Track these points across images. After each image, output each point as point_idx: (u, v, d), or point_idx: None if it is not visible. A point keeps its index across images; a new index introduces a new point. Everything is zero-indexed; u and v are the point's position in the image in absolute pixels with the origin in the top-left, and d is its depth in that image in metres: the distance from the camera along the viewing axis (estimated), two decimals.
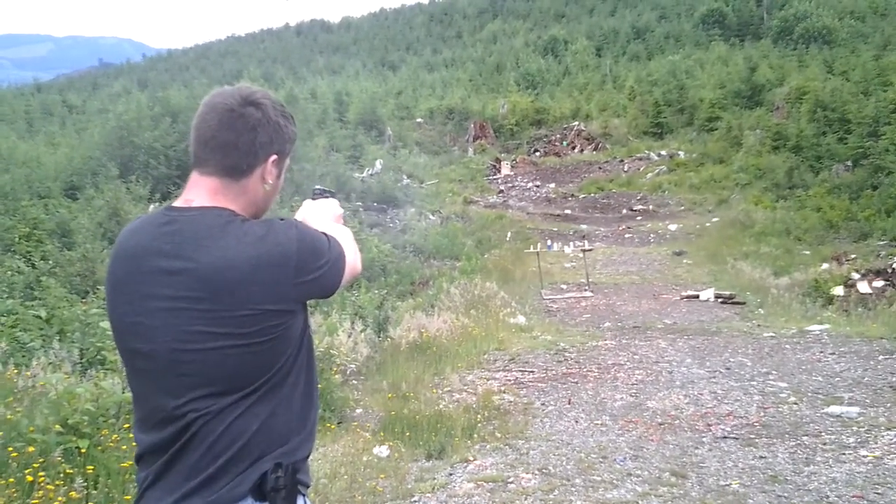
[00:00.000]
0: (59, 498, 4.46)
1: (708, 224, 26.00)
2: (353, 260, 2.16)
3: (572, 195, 33.86)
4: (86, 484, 4.76)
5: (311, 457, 2.12)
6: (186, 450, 1.91)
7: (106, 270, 2.06)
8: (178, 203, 2.02)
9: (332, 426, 7.33)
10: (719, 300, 15.44)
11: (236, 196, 2.01)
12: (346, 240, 2.18)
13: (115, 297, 2.01)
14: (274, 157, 2.05)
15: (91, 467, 4.96)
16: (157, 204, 19.36)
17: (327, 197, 2.42)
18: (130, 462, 4.77)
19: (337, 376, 8.25)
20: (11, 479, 4.60)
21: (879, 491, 5.60)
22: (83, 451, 4.98)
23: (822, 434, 6.99)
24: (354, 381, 9.11)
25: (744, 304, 14.94)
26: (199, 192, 2.00)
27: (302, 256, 1.96)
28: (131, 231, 2.03)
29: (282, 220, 2.02)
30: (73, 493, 4.51)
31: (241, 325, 1.88)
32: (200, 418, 1.89)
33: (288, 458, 1.97)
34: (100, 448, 5.12)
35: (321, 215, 2.32)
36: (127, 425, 5.27)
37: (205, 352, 1.89)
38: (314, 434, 2.13)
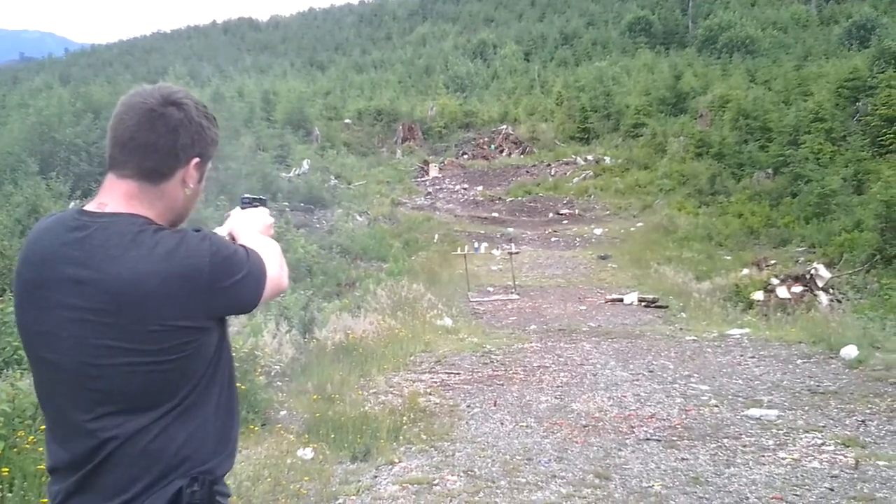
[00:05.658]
0: None
1: (632, 229, 26.33)
2: (277, 275, 2.08)
3: (500, 198, 33.96)
4: (0, 487, 4.63)
5: (234, 459, 2.07)
6: (101, 472, 1.84)
7: (14, 273, 1.95)
8: (90, 207, 1.92)
9: (256, 428, 7.23)
10: (643, 304, 15.64)
11: (153, 201, 1.93)
12: (270, 254, 2.10)
13: (23, 302, 1.92)
14: (196, 160, 1.98)
15: (6, 469, 4.83)
16: (77, 201, 18.87)
17: (257, 206, 2.34)
18: None
19: (261, 378, 8.14)
20: None
21: (798, 492, 5.72)
22: None
23: (743, 436, 7.12)
24: (279, 383, 8.99)
25: (666, 307, 15.16)
26: (114, 195, 1.91)
27: (214, 271, 1.88)
28: (41, 233, 1.93)
29: (197, 231, 1.94)
30: None
31: (150, 342, 1.81)
32: (114, 440, 1.82)
33: (206, 476, 1.90)
34: (15, 450, 5.00)
35: (250, 226, 2.25)
36: (44, 427, 5.15)
37: (112, 367, 1.81)
38: (235, 453, 2.06)
